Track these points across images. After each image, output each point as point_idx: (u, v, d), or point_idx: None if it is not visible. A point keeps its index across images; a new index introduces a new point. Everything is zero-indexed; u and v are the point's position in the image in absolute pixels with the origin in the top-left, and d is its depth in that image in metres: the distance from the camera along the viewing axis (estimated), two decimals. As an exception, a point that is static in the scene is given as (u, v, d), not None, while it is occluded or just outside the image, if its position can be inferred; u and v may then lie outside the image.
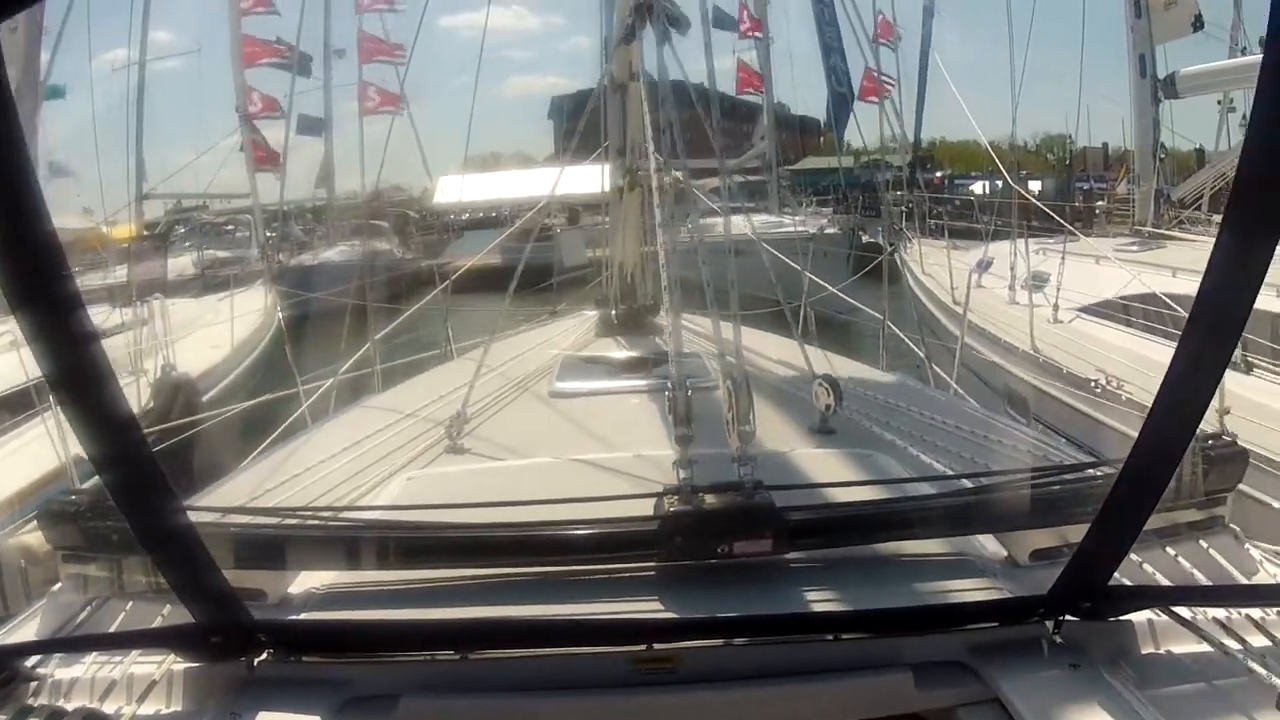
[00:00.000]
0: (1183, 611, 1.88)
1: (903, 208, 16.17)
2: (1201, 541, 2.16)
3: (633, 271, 5.41)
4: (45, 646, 1.92)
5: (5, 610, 4.30)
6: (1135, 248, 10.68)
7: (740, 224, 5.72)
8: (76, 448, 1.57)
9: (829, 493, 2.43)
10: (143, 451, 1.53)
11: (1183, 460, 1.97)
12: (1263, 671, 1.67)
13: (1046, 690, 1.74)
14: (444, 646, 1.88)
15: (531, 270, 4.65)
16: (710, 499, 2.05)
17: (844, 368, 4.37)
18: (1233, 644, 1.78)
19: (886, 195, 14.45)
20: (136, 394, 7.46)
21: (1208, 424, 2.33)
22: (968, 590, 2.03)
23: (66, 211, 14.57)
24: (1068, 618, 1.87)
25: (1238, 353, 5.76)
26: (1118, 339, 7.60)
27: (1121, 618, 1.87)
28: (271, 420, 5.41)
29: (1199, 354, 1.44)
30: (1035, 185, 25.14)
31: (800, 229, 16.01)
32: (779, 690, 1.84)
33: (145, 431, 1.81)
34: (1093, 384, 6.75)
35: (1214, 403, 4.95)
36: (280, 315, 12.33)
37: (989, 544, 2.22)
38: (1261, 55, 1.22)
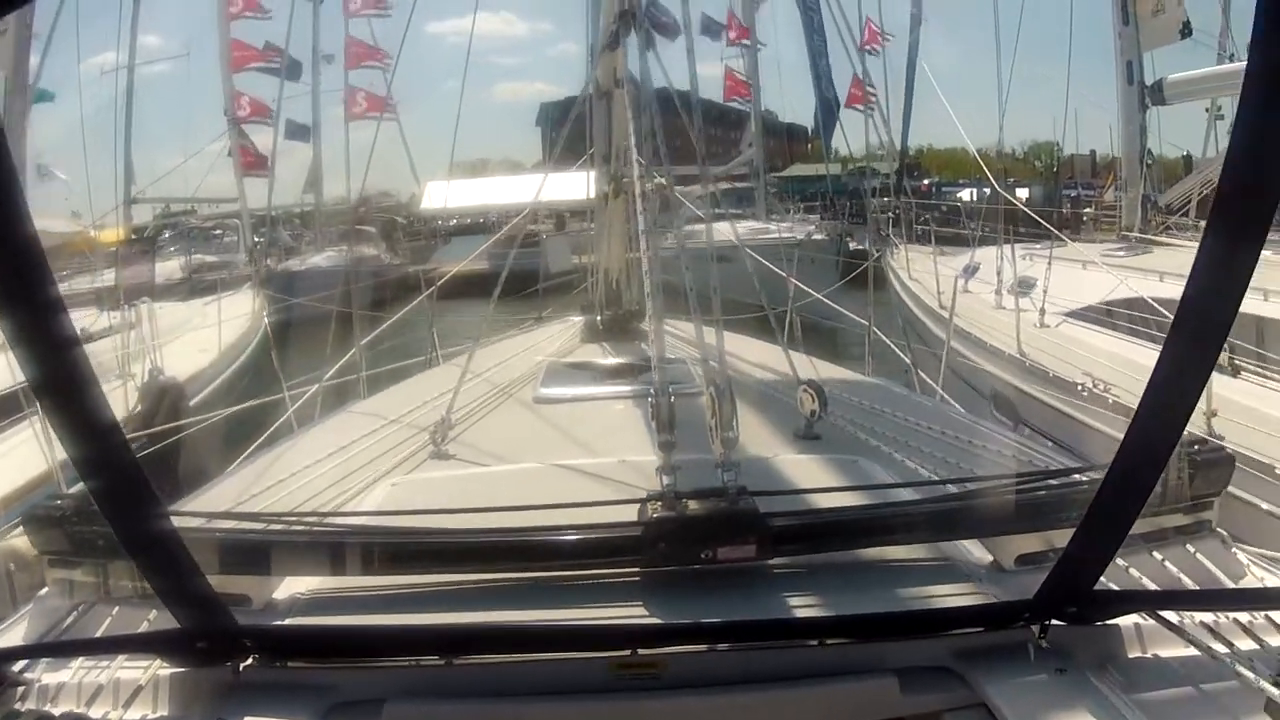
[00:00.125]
0: (1170, 615, 1.88)
1: (889, 214, 16.21)
2: (1189, 545, 2.16)
3: (618, 278, 5.42)
4: (32, 651, 1.91)
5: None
6: (1122, 253, 10.74)
7: (725, 230, 5.73)
8: (63, 452, 1.56)
9: (813, 498, 2.42)
10: (126, 456, 1.52)
11: (1169, 464, 1.98)
12: (1250, 675, 1.66)
13: (1032, 695, 1.74)
14: (429, 652, 1.88)
15: (517, 276, 4.64)
16: (694, 505, 2.05)
17: (829, 373, 4.38)
18: (1220, 648, 1.78)
19: (872, 201, 14.47)
20: (124, 398, 7.44)
21: (1195, 428, 2.34)
22: (953, 595, 2.03)
23: (55, 215, 14.53)
24: (1054, 622, 1.87)
25: (1224, 356, 5.80)
26: (1104, 343, 7.61)
27: (1108, 622, 1.87)
28: (257, 425, 5.38)
29: (1184, 358, 1.45)
30: (1023, 192, 25.15)
31: (787, 235, 16.06)
32: (763, 696, 1.84)
33: (130, 436, 1.81)
34: (1079, 388, 6.77)
35: (1201, 406, 5.01)
36: (267, 320, 12.29)
37: (974, 549, 2.22)
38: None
